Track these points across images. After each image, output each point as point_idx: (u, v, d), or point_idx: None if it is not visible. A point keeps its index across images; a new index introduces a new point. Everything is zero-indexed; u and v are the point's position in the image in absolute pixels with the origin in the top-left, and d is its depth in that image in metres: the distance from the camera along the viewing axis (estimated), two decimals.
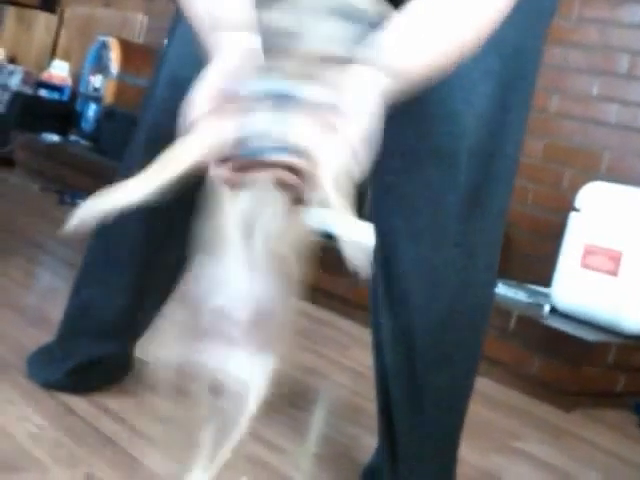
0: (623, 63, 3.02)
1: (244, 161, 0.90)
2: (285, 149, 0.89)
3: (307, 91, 0.90)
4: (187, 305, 1.02)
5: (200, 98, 0.92)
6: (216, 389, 1.07)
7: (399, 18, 0.98)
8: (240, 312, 1.00)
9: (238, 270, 0.99)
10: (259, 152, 0.89)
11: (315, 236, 1.00)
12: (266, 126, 0.89)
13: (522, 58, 1.25)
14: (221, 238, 0.98)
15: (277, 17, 0.94)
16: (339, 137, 0.89)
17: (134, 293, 1.56)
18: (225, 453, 1.05)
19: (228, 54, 0.95)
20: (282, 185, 0.90)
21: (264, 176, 0.90)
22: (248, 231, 0.95)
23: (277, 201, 0.92)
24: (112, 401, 1.55)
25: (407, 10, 0.99)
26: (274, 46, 0.95)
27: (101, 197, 0.91)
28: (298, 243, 0.99)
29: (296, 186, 0.89)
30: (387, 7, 0.99)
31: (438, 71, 1.03)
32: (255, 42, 0.96)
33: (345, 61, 0.92)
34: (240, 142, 0.90)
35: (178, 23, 1.42)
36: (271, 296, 1.00)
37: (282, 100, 0.89)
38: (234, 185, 0.92)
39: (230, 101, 0.91)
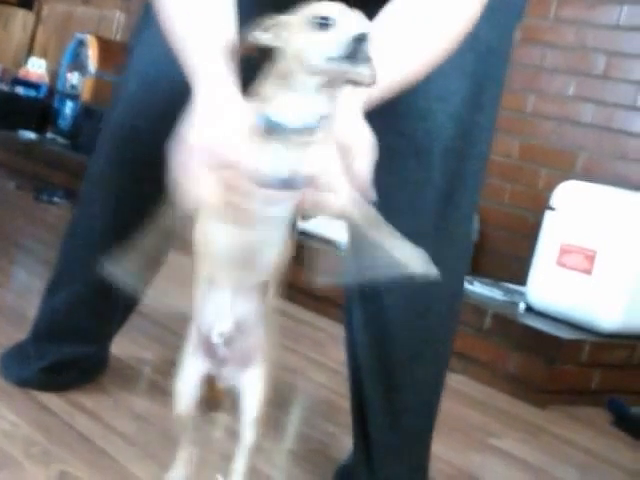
0: (599, 64, 3.04)
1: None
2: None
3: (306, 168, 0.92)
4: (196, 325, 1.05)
5: (189, 159, 0.92)
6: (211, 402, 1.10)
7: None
8: (221, 330, 1.02)
9: (218, 291, 1.01)
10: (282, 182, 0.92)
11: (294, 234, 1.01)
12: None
13: (494, 57, 1.27)
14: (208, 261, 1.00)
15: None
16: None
17: (106, 294, 1.55)
18: (240, 461, 1.08)
19: (210, 103, 0.95)
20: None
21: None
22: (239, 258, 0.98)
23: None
24: (87, 398, 1.54)
25: (377, 23, 1.01)
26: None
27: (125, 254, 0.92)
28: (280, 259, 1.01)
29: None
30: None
31: (408, 82, 1.05)
32: (232, 76, 0.97)
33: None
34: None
35: (146, 20, 1.40)
36: (248, 312, 1.02)
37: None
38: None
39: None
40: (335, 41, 0.87)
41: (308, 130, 0.91)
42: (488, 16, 1.08)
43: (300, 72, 0.90)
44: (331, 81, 0.90)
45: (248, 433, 1.06)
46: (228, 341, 1.02)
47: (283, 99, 0.91)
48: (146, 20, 1.41)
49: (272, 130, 0.91)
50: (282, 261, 1.01)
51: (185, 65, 1.02)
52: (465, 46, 1.11)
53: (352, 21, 0.88)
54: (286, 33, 0.91)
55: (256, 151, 0.91)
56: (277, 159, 0.91)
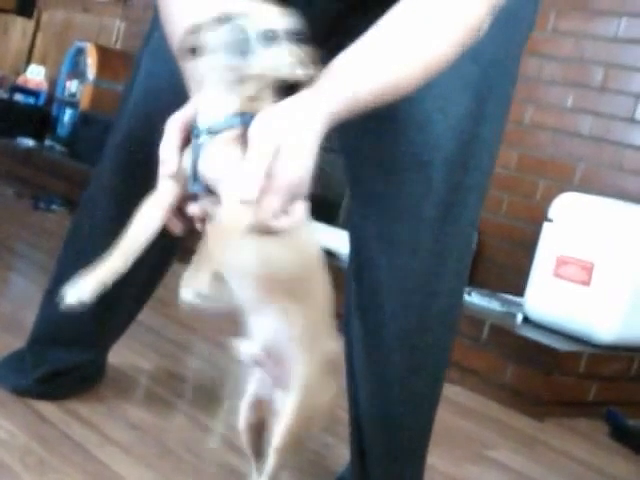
0: (597, 75, 3.05)
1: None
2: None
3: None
4: None
5: (170, 134, 0.96)
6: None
7: (367, 34, 0.99)
8: (253, 354, 1.02)
9: (250, 315, 1.01)
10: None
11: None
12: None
13: (499, 69, 1.25)
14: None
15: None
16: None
17: (105, 303, 1.55)
18: None
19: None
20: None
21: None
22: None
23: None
24: (83, 407, 1.54)
25: (376, 26, 1.00)
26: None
27: (86, 278, 0.92)
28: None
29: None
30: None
31: (400, 89, 1.03)
32: None
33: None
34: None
35: (154, 31, 1.42)
36: (281, 337, 1.01)
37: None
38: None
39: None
40: (224, 36, 0.87)
41: (216, 129, 0.92)
42: (494, 29, 1.07)
43: (205, 71, 0.91)
44: (240, 79, 0.90)
45: (268, 461, 1.05)
46: (256, 363, 1.02)
47: (199, 99, 0.94)
48: (152, 31, 1.43)
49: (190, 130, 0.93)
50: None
51: (183, 73, 1.03)
52: (468, 58, 1.10)
53: (253, 17, 0.88)
54: (200, 32, 0.91)
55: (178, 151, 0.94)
56: (186, 159, 0.93)
